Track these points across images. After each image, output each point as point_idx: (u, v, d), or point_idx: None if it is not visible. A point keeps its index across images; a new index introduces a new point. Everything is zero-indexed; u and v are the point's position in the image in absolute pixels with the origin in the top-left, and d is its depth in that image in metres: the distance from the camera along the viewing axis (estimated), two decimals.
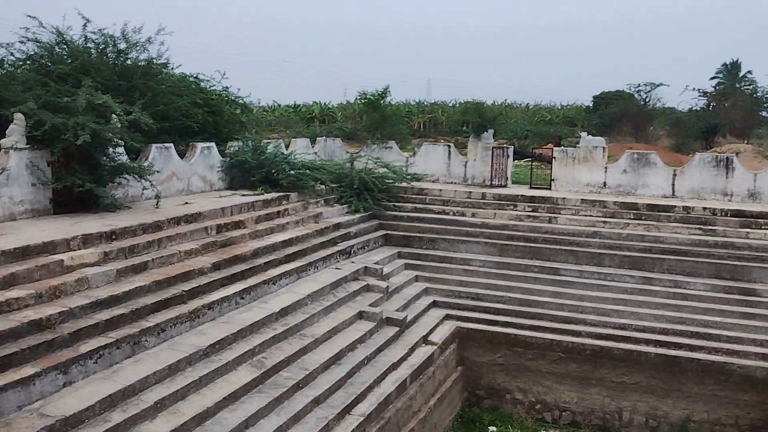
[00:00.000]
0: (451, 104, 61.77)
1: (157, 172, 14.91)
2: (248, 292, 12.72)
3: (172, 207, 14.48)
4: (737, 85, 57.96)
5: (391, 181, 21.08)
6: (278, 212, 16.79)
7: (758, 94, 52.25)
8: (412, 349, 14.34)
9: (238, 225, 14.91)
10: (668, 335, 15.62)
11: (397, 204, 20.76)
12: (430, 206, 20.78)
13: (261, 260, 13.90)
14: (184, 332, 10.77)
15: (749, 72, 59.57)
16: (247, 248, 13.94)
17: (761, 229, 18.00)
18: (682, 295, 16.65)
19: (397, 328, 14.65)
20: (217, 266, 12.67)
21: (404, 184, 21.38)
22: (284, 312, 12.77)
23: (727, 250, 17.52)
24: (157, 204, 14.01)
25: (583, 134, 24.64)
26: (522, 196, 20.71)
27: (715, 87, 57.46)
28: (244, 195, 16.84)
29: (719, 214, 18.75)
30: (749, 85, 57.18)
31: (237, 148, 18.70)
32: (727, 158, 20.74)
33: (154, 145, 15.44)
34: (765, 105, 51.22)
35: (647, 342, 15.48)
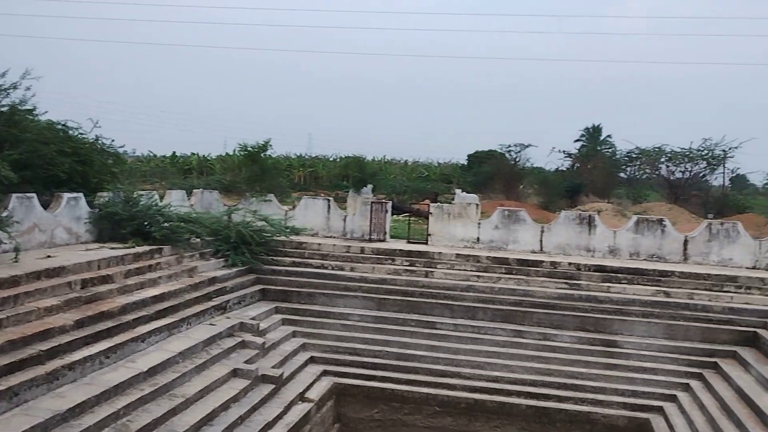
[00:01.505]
0: (331, 158, 62.42)
1: (17, 223, 13.99)
2: (114, 350, 12.05)
3: (33, 261, 13.59)
4: (598, 148, 62.15)
5: (270, 234, 20.86)
6: (150, 266, 16.16)
7: (617, 157, 56.26)
8: (288, 407, 14.02)
9: (106, 279, 14.19)
10: (538, 387, 16.17)
11: (275, 258, 20.53)
12: (309, 260, 20.69)
13: (129, 317, 13.25)
14: (41, 395, 10.01)
15: (609, 136, 64.18)
16: (115, 304, 13.27)
17: (620, 283, 19.14)
18: (550, 347, 17.34)
19: (273, 386, 14.31)
20: (80, 323, 11.95)
21: (283, 238, 21.21)
22: (153, 371, 12.17)
23: (591, 303, 18.47)
24: (15, 258, 13.11)
25: (458, 191, 25.48)
26: (400, 250, 21.04)
27: (578, 149, 61.34)
28: (113, 248, 16.10)
29: (583, 269, 19.79)
30: (609, 148, 61.48)
31: (107, 199, 17.93)
32: (589, 216, 22.06)
33: (14, 195, 14.53)
34: (623, 167, 55.17)
35: (519, 394, 15.95)
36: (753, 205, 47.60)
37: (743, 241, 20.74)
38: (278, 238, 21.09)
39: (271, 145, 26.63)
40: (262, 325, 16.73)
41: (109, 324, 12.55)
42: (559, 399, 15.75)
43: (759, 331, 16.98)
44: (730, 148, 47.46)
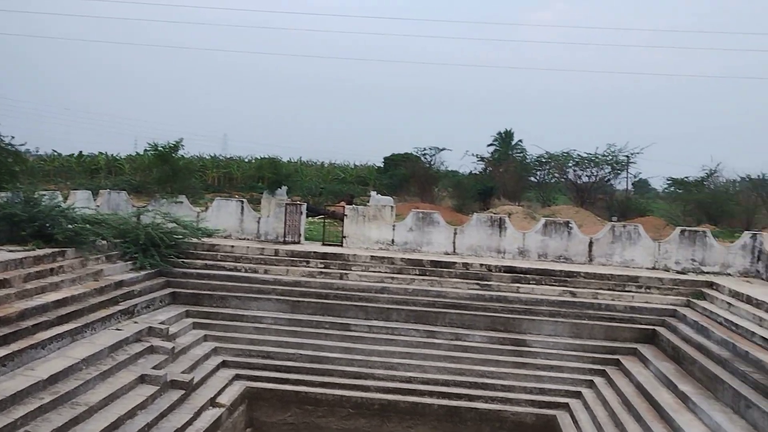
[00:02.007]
0: (247, 160, 61.51)
1: None
2: (11, 358, 11.47)
3: None
4: (510, 152, 63.74)
5: (181, 236, 20.36)
6: (52, 269, 15.47)
7: (527, 161, 57.84)
8: (198, 413, 13.72)
9: (2, 284, 13.49)
10: (450, 386, 16.44)
11: (186, 261, 20.04)
12: (222, 263, 20.32)
13: (29, 322, 12.65)
14: None
15: (520, 141, 65.94)
16: (13, 309, 12.63)
17: (529, 284, 19.70)
18: (462, 347, 17.65)
19: (183, 391, 13.97)
20: None
21: (195, 240, 20.73)
22: (54, 379, 11.66)
23: (501, 303, 18.92)
24: None
25: (373, 193, 25.61)
26: (315, 252, 20.95)
27: (491, 153, 62.72)
28: (11, 251, 15.33)
29: (494, 270, 20.25)
30: (520, 152, 63.14)
31: (5, 200, 17.06)
32: (500, 218, 22.59)
33: None
34: (533, 170, 56.74)
35: (431, 394, 16.17)
36: (654, 209, 49.95)
37: (644, 243, 21.71)
38: (190, 241, 20.60)
39: (183, 145, 26.03)
40: (172, 330, 16.29)
41: (6, 330, 11.94)
42: (470, 398, 16.06)
43: (658, 329, 17.84)
44: (632, 154, 49.61)
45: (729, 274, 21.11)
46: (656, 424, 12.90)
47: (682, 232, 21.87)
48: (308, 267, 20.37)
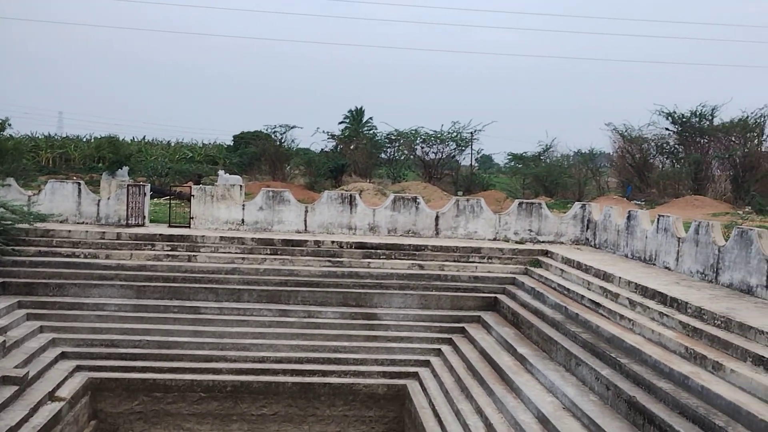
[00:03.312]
0: (85, 139, 57.99)
1: None
2: None
3: None
4: (361, 130, 64.41)
5: (10, 222, 18.88)
6: None
7: (378, 138, 58.74)
8: (35, 409, 12.90)
9: None
10: (303, 363, 16.53)
11: (16, 248, 18.64)
12: (58, 249, 19.10)
13: None
14: None
15: (371, 118, 66.76)
16: None
17: (380, 258, 20.12)
18: (315, 324, 17.77)
19: (17, 387, 13.06)
20: None
21: (26, 226, 19.32)
22: None
23: (353, 279, 19.20)
24: None
25: (221, 172, 25.02)
26: (160, 235, 20.19)
27: (342, 131, 63.07)
28: None
29: (345, 246, 20.48)
30: (370, 130, 63.96)
31: None
32: (351, 195, 22.83)
33: None
34: (383, 148, 57.74)
35: (284, 372, 16.18)
36: (496, 183, 52.54)
37: (486, 216, 22.78)
38: (20, 226, 19.17)
39: (10, 124, 24.10)
40: (2, 323, 15.16)
41: None
42: (324, 374, 16.24)
43: (499, 296, 18.86)
44: (475, 131, 51.79)
45: (562, 243, 22.64)
46: (498, 386, 13.68)
47: (520, 204, 23.16)
48: (154, 250, 19.61)
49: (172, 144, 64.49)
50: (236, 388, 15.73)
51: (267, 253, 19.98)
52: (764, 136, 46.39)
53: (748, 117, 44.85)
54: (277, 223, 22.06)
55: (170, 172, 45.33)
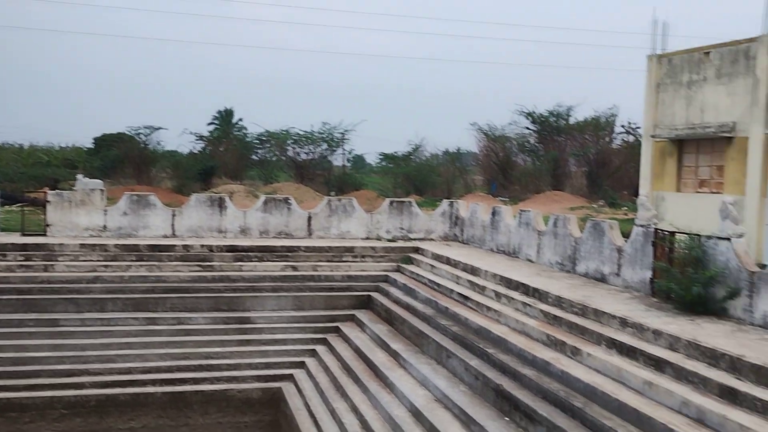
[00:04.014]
0: None
1: None
2: None
3: None
4: (231, 131, 63.13)
5: None
6: None
7: (248, 140, 57.84)
8: None
9: None
10: (174, 372, 15.99)
11: None
12: None
13: None
14: None
15: (241, 119, 65.54)
16: None
17: (252, 261, 19.80)
18: (185, 331, 17.23)
19: None
20: None
21: None
22: None
23: (224, 283, 18.79)
24: None
25: (80, 176, 23.64)
26: (12, 244, 18.85)
27: (211, 132, 61.55)
28: None
29: (216, 250, 19.99)
30: (240, 131, 62.83)
31: None
32: (220, 198, 22.31)
33: None
34: (254, 149, 56.95)
35: (154, 382, 15.59)
36: (368, 182, 53.14)
37: (358, 215, 22.96)
38: None
39: None
40: None
41: None
42: (196, 381, 15.80)
43: (372, 294, 19.08)
44: (346, 131, 52.20)
45: (432, 239, 23.21)
46: (372, 383, 13.83)
47: (391, 203, 23.54)
48: (5, 261, 18.28)
49: (26, 147, 60.40)
50: (101, 402, 14.96)
51: (132, 260, 19.14)
52: (614, 135, 49.80)
53: (599, 117, 47.94)
54: (142, 228, 21.18)
55: (23, 177, 42.50)
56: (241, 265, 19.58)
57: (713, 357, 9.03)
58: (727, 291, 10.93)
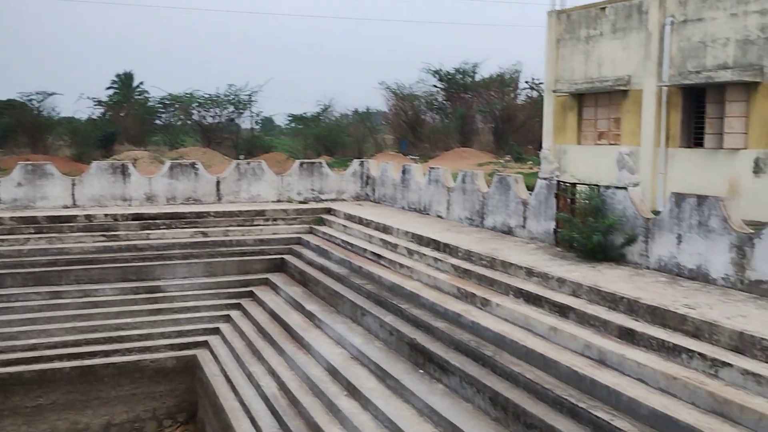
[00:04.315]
0: None
1: None
2: None
3: None
4: (131, 96, 60.73)
5: None
6: None
7: (150, 104, 55.81)
8: None
9: None
10: (82, 346, 15.51)
11: None
12: None
13: None
14: None
15: (141, 83, 63.13)
16: None
17: (159, 229, 19.27)
18: (93, 303, 16.69)
19: None
20: None
21: None
22: None
23: (132, 252, 18.23)
24: None
25: None
26: None
27: (110, 97, 59.03)
28: None
29: (121, 219, 19.32)
30: (142, 95, 60.55)
31: None
32: (123, 165, 21.50)
33: None
34: (157, 113, 55.04)
35: (61, 357, 15.08)
36: (277, 144, 52.46)
37: (268, 178, 22.66)
38: None
39: None
40: None
41: None
42: (106, 354, 15.39)
43: (286, 257, 18.99)
44: (252, 93, 51.11)
45: (344, 200, 23.23)
46: (288, 345, 13.86)
47: (301, 164, 23.35)
48: None
49: None
50: (4, 381, 14.36)
51: (31, 233, 18.27)
52: (518, 91, 50.89)
53: (504, 73, 48.80)
54: (40, 199, 20.21)
55: None
56: (148, 234, 19.04)
57: (613, 301, 9.51)
58: (625, 238, 11.48)
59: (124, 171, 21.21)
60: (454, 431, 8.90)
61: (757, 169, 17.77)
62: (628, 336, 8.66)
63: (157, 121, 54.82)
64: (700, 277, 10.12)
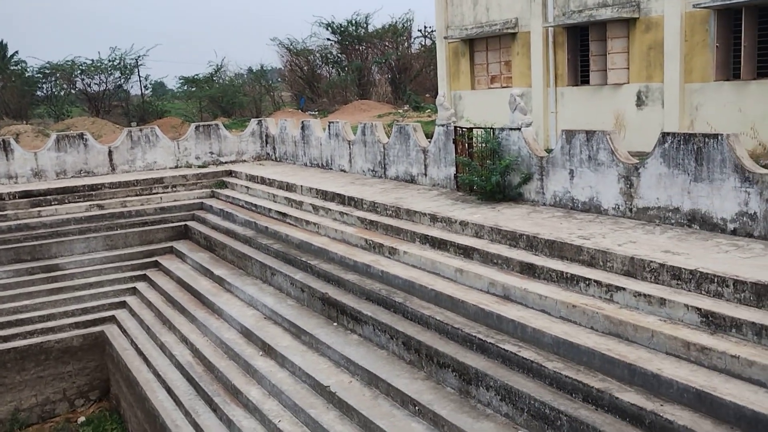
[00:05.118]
0: None
1: None
2: None
3: None
4: (6, 67, 56.89)
5: None
6: None
7: (29, 74, 52.45)
8: None
9: None
10: None
11: None
12: None
13: None
14: None
15: (17, 52, 59.20)
16: None
17: (51, 205, 18.39)
18: None
19: None
20: None
21: None
22: None
23: (23, 232, 17.36)
24: None
25: None
26: None
27: None
28: None
29: (7, 198, 18.30)
30: (17, 65, 56.80)
31: None
32: (3, 141, 20.26)
33: None
34: (38, 84, 51.84)
35: None
36: (171, 109, 50.65)
37: (163, 144, 21.94)
38: None
39: None
40: None
41: None
42: (6, 339, 14.72)
43: (189, 223, 18.59)
44: (139, 57, 48.90)
45: (245, 161, 22.83)
46: (200, 311, 13.67)
47: (197, 127, 22.70)
48: None
49: None
50: None
51: None
52: (412, 39, 50.98)
53: (396, 22, 48.69)
54: None
55: None
56: (39, 211, 18.15)
57: (513, 239, 9.86)
58: (522, 177, 11.87)
59: (5, 147, 20.00)
60: (371, 378, 9.11)
61: (640, 102, 18.63)
62: (529, 271, 9.03)
63: (39, 93, 51.63)
64: (592, 209, 10.63)
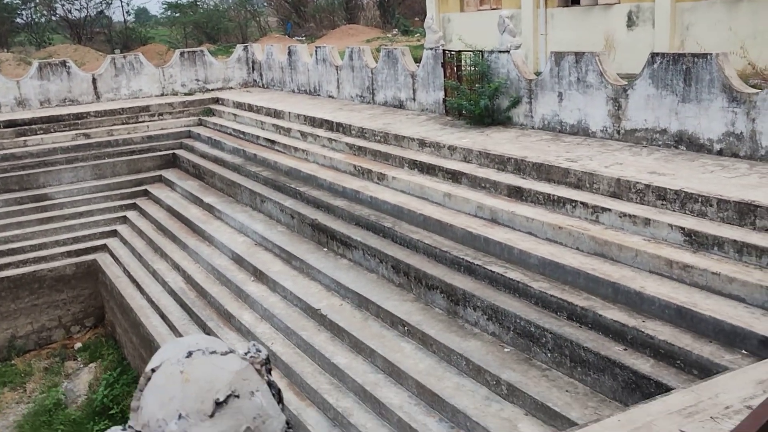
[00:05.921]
0: None
1: None
2: None
3: None
4: None
5: None
6: None
7: (9, 1, 50.95)
8: None
9: None
10: None
11: None
12: None
13: None
14: None
15: None
16: None
17: (36, 134, 18.18)
18: None
19: None
20: None
21: None
22: None
23: (9, 162, 17.23)
24: None
25: None
26: None
27: None
28: None
29: None
30: None
31: None
32: None
33: None
34: (17, 11, 50.45)
35: None
36: (155, 35, 49.58)
37: (148, 71, 21.54)
38: None
39: None
40: None
41: None
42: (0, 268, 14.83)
43: (177, 152, 18.47)
44: None
45: (232, 88, 22.51)
46: (190, 239, 13.75)
47: (182, 54, 22.27)
48: None
49: None
50: None
51: None
52: None
53: None
54: None
55: None
56: (25, 140, 17.96)
57: (501, 162, 9.88)
58: (510, 100, 11.80)
59: None
60: (361, 301, 9.27)
61: (630, 23, 18.33)
62: (516, 194, 9.09)
63: (19, 20, 50.36)
64: (580, 131, 10.62)
